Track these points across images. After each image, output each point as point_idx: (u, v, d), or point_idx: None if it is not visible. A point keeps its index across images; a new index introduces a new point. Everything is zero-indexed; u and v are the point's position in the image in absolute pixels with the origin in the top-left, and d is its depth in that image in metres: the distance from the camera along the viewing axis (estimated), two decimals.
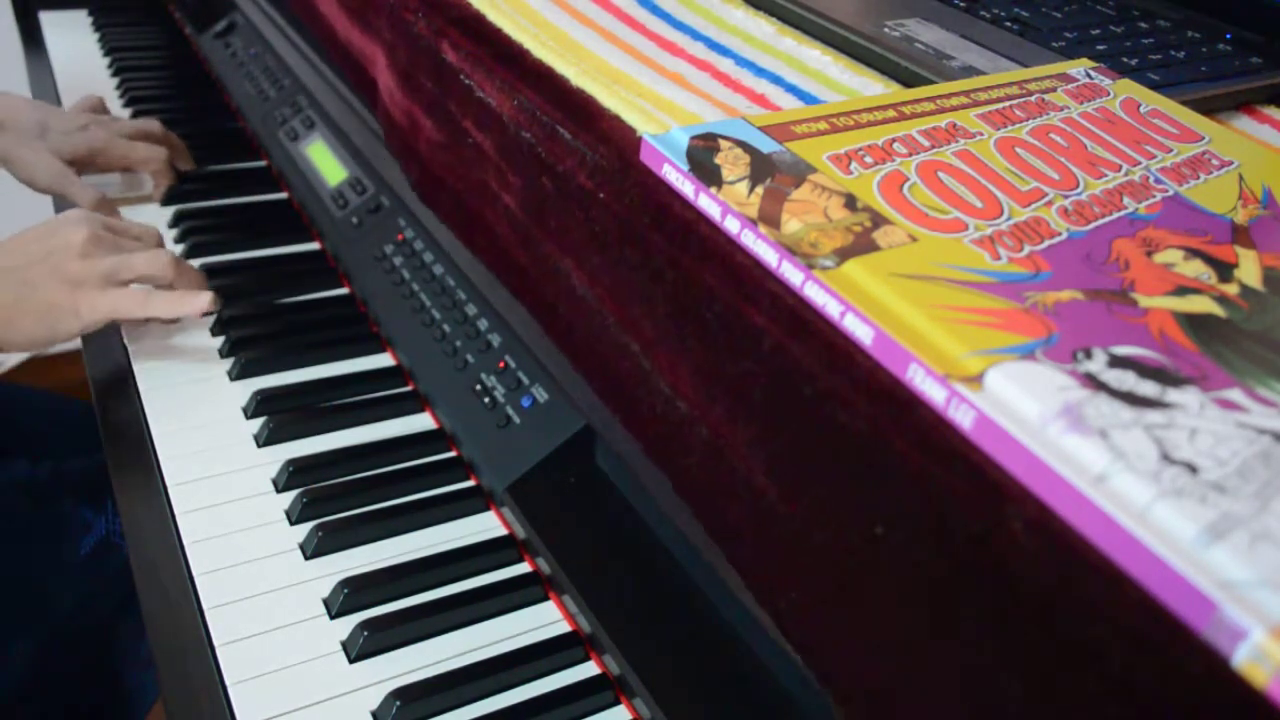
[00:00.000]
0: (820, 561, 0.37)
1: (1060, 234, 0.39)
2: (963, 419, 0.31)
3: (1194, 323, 0.36)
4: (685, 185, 0.42)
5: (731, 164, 0.41)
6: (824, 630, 0.38)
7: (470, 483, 0.67)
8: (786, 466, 0.38)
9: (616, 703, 0.55)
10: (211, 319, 0.79)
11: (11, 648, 0.78)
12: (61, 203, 0.92)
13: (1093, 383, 0.31)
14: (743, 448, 0.40)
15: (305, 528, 0.62)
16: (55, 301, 0.69)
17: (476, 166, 0.58)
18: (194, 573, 0.58)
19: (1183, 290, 0.37)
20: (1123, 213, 0.42)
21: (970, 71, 0.56)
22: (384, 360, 0.78)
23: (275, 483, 0.66)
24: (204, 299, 0.72)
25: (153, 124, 0.97)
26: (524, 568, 0.62)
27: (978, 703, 0.33)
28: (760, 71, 0.57)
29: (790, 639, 0.40)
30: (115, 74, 1.21)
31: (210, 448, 0.68)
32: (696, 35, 0.62)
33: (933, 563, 0.33)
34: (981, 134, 0.46)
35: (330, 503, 0.64)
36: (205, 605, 0.57)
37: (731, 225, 0.40)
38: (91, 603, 0.83)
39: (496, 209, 0.57)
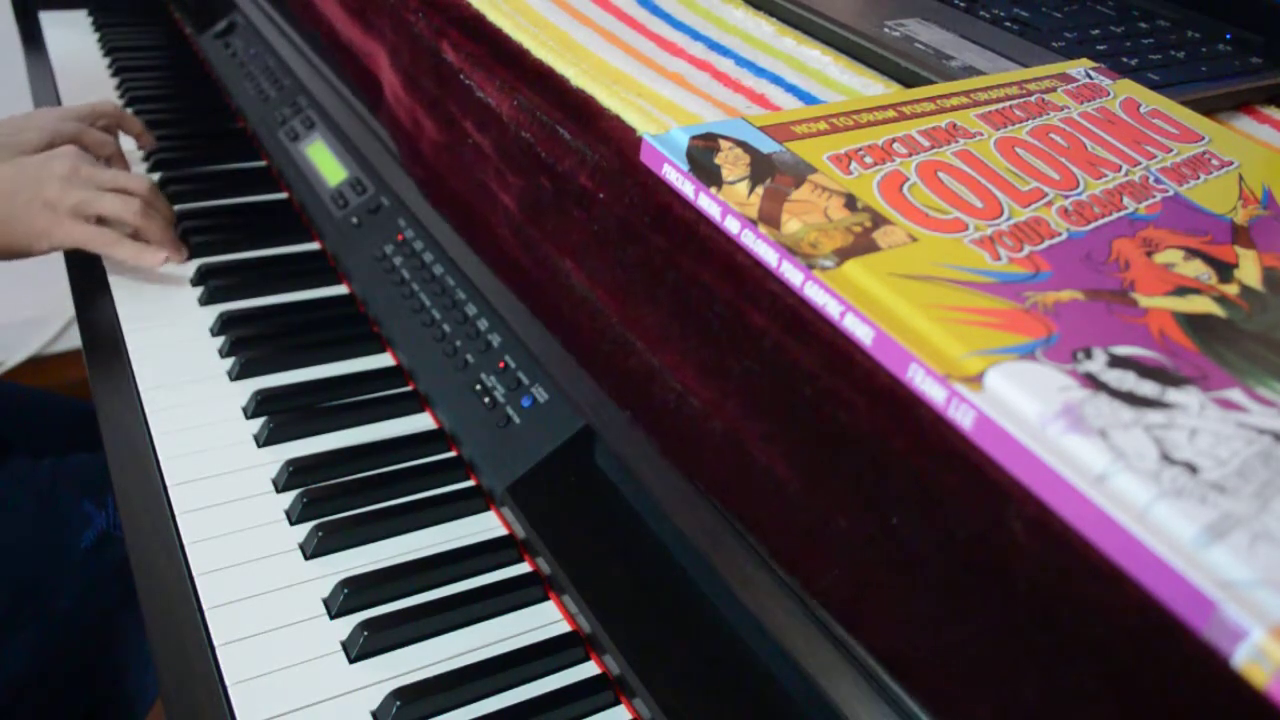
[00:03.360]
0: (843, 549, 0.37)
1: (1060, 234, 0.39)
2: (963, 419, 0.31)
3: (1194, 323, 0.36)
4: (685, 185, 0.42)
5: (731, 164, 0.41)
6: (863, 612, 0.38)
7: (470, 483, 0.67)
8: (803, 460, 0.38)
9: (616, 703, 0.55)
10: (212, 319, 0.80)
11: (12, 642, 0.78)
12: None
13: (1093, 383, 0.31)
14: (759, 441, 0.40)
15: (305, 528, 0.62)
16: (30, 219, 0.78)
17: (477, 167, 0.58)
18: (194, 573, 0.58)
19: (1183, 290, 0.37)
20: (1123, 213, 0.42)
21: (970, 71, 0.56)
22: (384, 360, 0.78)
23: (275, 483, 0.66)
24: (160, 255, 0.80)
25: (105, 104, 0.97)
26: (524, 568, 0.62)
27: (982, 699, 0.33)
28: (760, 71, 0.57)
29: (836, 619, 0.40)
30: (115, 74, 1.21)
31: (210, 448, 0.68)
32: (696, 35, 0.62)
33: (933, 562, 0.33)
34: (981, 134, 0.46)
35: (330, 503, 0.64)
36: (205, 605, 0.56)
37: (731, 225, 0.40)
38: (92, 597, 0.83)
39: (497, 210, 0.57)
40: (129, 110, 1.12)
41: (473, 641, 0.57)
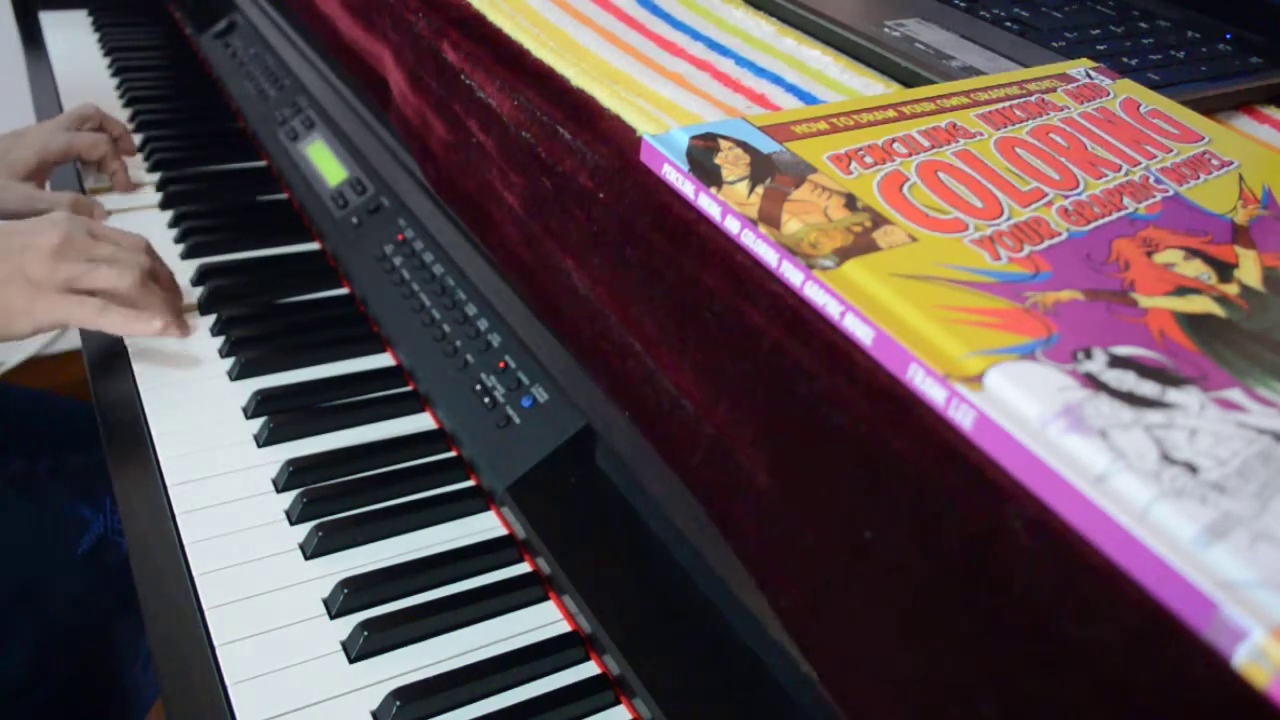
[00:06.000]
0: (821, 562, 0.37)
1: (1060, 234, 0.39)
2: (963, 419, 0.31)
3: (1194, 323, 0.36)
4: (685, 185, 0.42)
5: (731, 164, 0.41)
6: (825, 631, 0.38)
7: (470, 483, 0.67)
8: (789, 466, 0.38)
9: (616, 703, 0.55)
10: (211, 319, 0.80)
11: (10, 646, 0.78)
12: None
13: (1093, 383, 0.31)
14: (747, 447, 0.40)
15: (305, 528, 0.62)
16: (10, 300, 0.70)
17: (481, 166, 0.58)
18: (194, 573, 0.58)
19: (1183, 290, 0.37)
20: (1123, 213, 0.42)
21: (970, 71, 0.56)
22: (384, 360, 0.78)
23: (275, 483, 0.66)
24: (155, 323, 0.72)
25: (86, 107, 0.97)
26: (524, 568, 0.62)
27: (979, 703, 0.33)
28: (760, 71, 0.57)
29: (794, 637, 0.40)
30: (115, 74, 1.21)
31: (210, 448, 0.68)
32: (696, 35, 0.62)
33: (933, 563, 0.33)
34: (981, 134, 0.46)
35: (330, 503, 0.64)
36: (205, 605, 0.57)
37: (731, 225, 0.40)
38: (89, 601, 0.83)
39: (502, 208, 0.57)
40: (128, 110, 1.13)
41: (473, 641, 0.57)
